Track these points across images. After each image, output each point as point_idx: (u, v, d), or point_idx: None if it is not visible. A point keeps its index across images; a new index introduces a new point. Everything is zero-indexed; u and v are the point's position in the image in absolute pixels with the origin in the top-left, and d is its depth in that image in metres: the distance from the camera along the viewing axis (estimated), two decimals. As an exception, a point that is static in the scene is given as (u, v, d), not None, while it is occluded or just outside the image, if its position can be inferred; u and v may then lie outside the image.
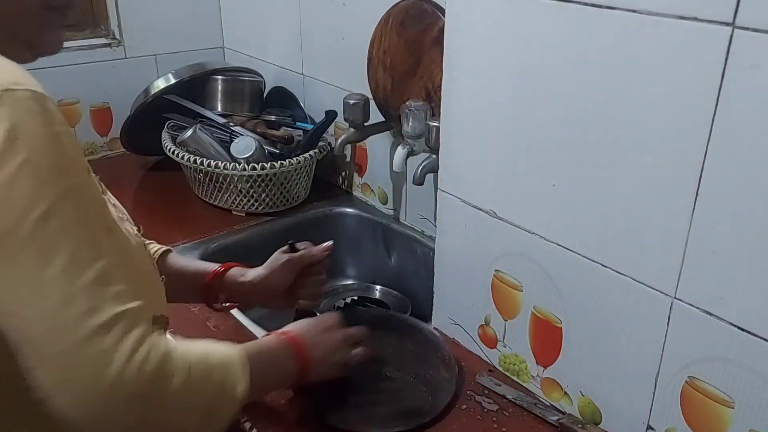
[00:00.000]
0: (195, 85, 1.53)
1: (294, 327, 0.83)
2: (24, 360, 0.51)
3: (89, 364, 0.50)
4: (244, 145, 1.36)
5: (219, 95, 1.56)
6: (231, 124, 1.47)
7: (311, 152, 1.40)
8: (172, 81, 1.48)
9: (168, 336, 0.59)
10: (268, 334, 0.83)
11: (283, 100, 1.58)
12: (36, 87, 0.54)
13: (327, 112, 1.40)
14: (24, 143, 0.50)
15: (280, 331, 0.82)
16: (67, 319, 0.50)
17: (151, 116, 1.50)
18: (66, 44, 1.53)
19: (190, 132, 1.38)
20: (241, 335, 1.02)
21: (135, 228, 0.73)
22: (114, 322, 0.51)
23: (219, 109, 1.55)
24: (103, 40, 1.59)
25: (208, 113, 1.51)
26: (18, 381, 0.52)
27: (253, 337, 1.01)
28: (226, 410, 0.62)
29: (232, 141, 1.40)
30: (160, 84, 1.49)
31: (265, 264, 0.97)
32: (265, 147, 1.40)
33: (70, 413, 0.50)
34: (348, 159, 1.49)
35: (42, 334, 0.50)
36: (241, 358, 0.66)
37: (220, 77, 1.55)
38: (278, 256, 0.97)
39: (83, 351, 0.50)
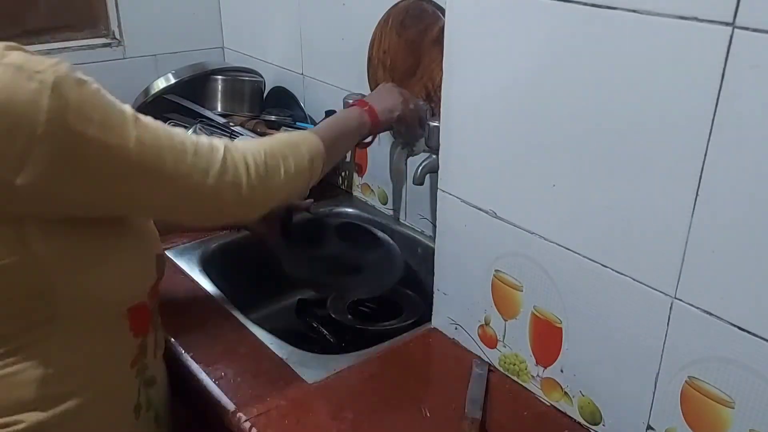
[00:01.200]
0: (195, 85, 1.53)
1: (371, 96, 1.07)
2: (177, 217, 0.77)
3: (229, 188, 0.72)
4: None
5: (219, 95, 1.56)
6: (231, 124, 1.47)
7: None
8: (172, 81, 1.48)
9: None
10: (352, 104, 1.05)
11: (283, 100, 1.58)
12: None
13: (327, 113, 1.40)
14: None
15: (357, 99, 1.05)
16: (202, 179, 0.70)
17: (152, 116, 1.50)
18: (66, 44, 1.53)
19: (190, 132, 1.38)
20: (241, 335, 1.02)
21: None
22: (225, 159, 0.72)
23: (219, 109, 1.55)
24: (103, 40, 1.59)
25: (208, 113, 1.51)
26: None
27: (253, 336, 1.01)
28: (317, 166, 0.88)
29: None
30: (161, 84, 1.49)
31: None
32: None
33: (236, 211, 0.76)
34: (348, 159, 1.49)
35: (194, 195, 0.70)
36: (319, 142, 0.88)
37: (220, 77, 1.55)
38: None
39: (223, 184, 0.72)
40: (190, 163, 0.69)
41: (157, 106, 1.49)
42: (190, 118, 1.49)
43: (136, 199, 0.67)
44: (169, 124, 1.50)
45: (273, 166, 0.78)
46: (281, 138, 0.84)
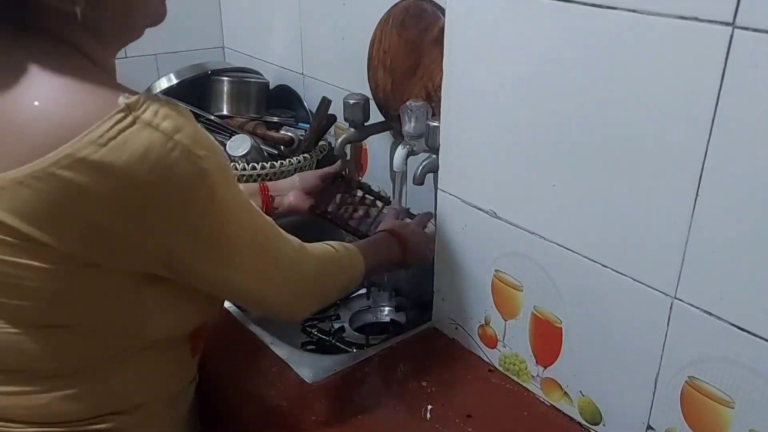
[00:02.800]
0: (198, 86, 1.53)
1: (399, 225, 1.07)
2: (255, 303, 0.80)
3: (304, 282, 0.81)
4: (239, 143, 1.36)
5: (225, 96, 1.56)
6: (229, 125, 1.47)
7: (311, 152, 1.40)
8: (174, 81, 1.48)
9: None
10: (381, 231, 1.06)
11: (286, 99, 1.58)
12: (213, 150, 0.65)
13: (322, 98, 1.39)
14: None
15: (388, 228, 1.06)
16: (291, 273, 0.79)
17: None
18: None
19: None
20: (241, 334, 1.02)
21: None
22: (301, 259, 0.80)
23: (225, 110, 1.55)
24: (103, 40, 1.59)
25: (205, 114, 1.51)
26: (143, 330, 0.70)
27: (253, 336, 1.01)
28: (356, 282, 0.94)
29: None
30: (162, 84, 1.49)
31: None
32: (264, 147, 1.40)
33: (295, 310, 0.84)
34: (348, 159, 1.49)
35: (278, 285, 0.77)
36: (358, 252, 0.93)
37: (226, 78, 1.55)
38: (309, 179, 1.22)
39: (300, 280, 0.80)
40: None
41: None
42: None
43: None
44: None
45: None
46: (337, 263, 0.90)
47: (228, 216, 0.66)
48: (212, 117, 1.49)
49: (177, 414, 0.82)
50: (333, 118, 1.40)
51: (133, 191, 0.58)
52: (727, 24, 0.60)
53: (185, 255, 0.65)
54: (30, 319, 0.64)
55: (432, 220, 1.14)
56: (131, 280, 0.66)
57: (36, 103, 0.58)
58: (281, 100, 1.60)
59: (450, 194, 0.96)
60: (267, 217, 0.75)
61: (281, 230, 0.76)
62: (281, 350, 0.99)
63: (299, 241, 0.80)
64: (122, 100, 0.57)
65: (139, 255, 0.63)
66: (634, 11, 0.67)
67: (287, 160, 1.35)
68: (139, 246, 0.62)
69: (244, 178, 1.34)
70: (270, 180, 1.36)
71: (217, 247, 0.67)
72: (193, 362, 0.83)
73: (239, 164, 1.33)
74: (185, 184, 0.60)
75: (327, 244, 0.88)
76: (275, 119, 1.52)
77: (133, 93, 0.60)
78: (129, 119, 0.57)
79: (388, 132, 1.33)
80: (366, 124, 1.29)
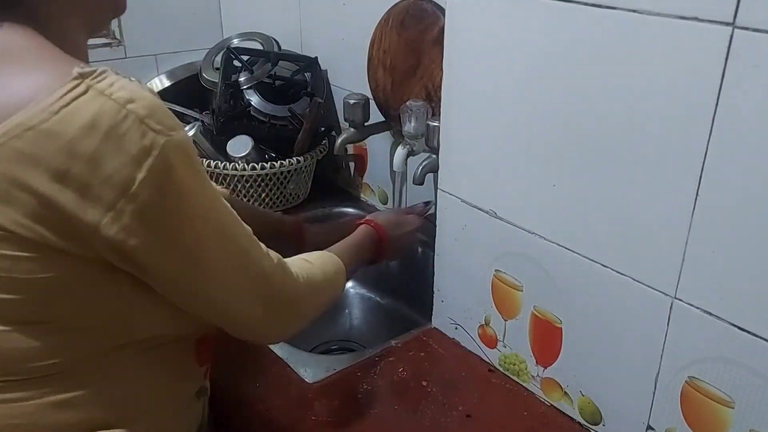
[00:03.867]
0: (194, 86, 1.53)
1: (382, 218, 1.02)
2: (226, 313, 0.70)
3: (279, 302, 0.73)
4: (240, 144, 1.36)
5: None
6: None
7: (311, 152, 1.40)
8: (167, 83, 1.48)
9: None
10: (360, 223, 1.01)
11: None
12: (177, 127, 0.60)
13: (313, 100, 1.38)
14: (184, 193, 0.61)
15: (368, 219, 1.02)
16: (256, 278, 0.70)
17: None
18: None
19: (192, 131, 1.38)
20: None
21: None
22: (278, 276, 0.73)
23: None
24: (103, 40, 1.58)
25: (197, 114, 1.50)
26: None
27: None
28: (337, 292, 0.86)
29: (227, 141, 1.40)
30: (155, 86, 1.50)
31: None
32: (263, 147, 1.40)
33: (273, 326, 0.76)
34: (349, 154, 1.49)
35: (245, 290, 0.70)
36: (341, 265, 0.86)
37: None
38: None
39: (271, 288, 0.72)
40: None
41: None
42: (189, 117, 1.49)
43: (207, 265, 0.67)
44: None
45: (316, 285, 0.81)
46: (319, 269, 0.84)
47: (187, 203, 0.60)
48: (202, 117, 1.49)
49: (181, 430, 0.77)
50: (330, 125, 1.41)
51: (81, 162, 0.55)
52: (727, 24, 0.60)
53: (135, 241, 0.59)
54: (14, 316, 0.62)
55: (431, 208, 1.13)
56: (109, 273, 0.62)
57: None
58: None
59: (450, 194, 0.96)
60: (241, 221, 0.68)
61: (258, 241, 0.70)
62: (281, 350, 0.98)
63: (279, 256, 0.73)
64: (77, 69, 0.56)
65: (89, 238, 0.58)
66: (634, 11, 0.67)
67: (287, 160, 1.35)
68: (88, 226, 0.57)
69: (244, 178, 1.34)
70: (271, 179, 1.36)
71: (172, 236, 0.61)
72: (199, 372, 0.78)
73: (239, 165, 1.33)
74: (136, 156, 0.56)
75: (305, 260, 0.81)
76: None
77: (115, 71, 0.58)
78: (82, 87, 0.55)
79: (388, 132, 1.33)
80: (366, 124, 1.29)
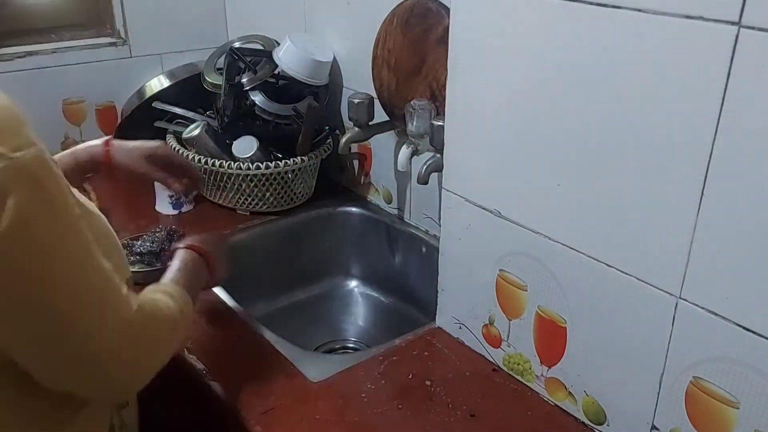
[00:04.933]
0: (190, 86, 1.53)
1: (199, 241, 0.95)
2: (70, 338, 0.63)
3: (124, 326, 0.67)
4: (246, 145, 1.36)
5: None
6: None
7: (316, 151, 1.40)
8: (166, 83, 1.49)
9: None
10: (182, 247, 0.93)
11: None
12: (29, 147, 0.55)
13: (308, 104, 1.39)
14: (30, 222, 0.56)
15: (189, 244, 0.94)
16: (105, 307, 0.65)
17: (150, 115, 1.50)
18: (71, 43, 1.51)
19: (197, 131, 1.38)
20: (245, 334, 1.02)
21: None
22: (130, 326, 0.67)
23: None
24: (109, 39, 1.59)
25: (190, 114, 1.50)
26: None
27: (257, 335, 1.02)
28: (185, 325, 0.80)
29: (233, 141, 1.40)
30: (154, 86, 1.50)
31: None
32: (268, 147, 1.40)
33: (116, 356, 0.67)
34: (353, 152, 1.49)
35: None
36: (183, 292, 0.81)
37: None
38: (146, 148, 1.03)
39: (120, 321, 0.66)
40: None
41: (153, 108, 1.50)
42: (190, 117, 1.49)
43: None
44: (175, 122, 1.51)
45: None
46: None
47: (28, 235, 0.55)
48: (197, 117, 1.49)
49: None
50: (330, 129, 1.42)
51: None
52: (733, 23, 0.60)
53: None
54: None
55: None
56: None
57: None
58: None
59: (454, 193, 0.96)
60: (97, 259, 0.63)
61: (115, 286, 0.65)
62: (285, 349, 0.99)
63: (133, 300, 0.68)
64: None
65: None
66: (639, 10, 0.67)
67: (291, 159, 1.35)
68: None
69: (248, 177, 1.35)
70: (275, 178, 1.36)
71: (15, 278, 0.56)
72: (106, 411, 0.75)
73: (243, 164, 1.33)
74: None
75: (154, 299, 0.75)
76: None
77: None
78: None
79: (392, 131, 1.33)
80: (370, 123, 1.29)
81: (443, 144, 0.96)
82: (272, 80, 1.42)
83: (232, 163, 1.33)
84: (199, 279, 0.90)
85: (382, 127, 1.31)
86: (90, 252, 0.63)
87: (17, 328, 0.60)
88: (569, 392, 0.88)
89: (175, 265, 0.88)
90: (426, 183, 1.10)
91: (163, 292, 0.77)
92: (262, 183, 1.36)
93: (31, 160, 0.55)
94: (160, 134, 1.46)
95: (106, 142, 1.01)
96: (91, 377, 0.66)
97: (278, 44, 1.45)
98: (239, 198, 1.39)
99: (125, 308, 0.67)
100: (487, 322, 0.97)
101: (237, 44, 1.50)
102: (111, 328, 0.65)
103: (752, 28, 0.59)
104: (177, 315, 0.76)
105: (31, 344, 0.61)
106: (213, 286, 0.99)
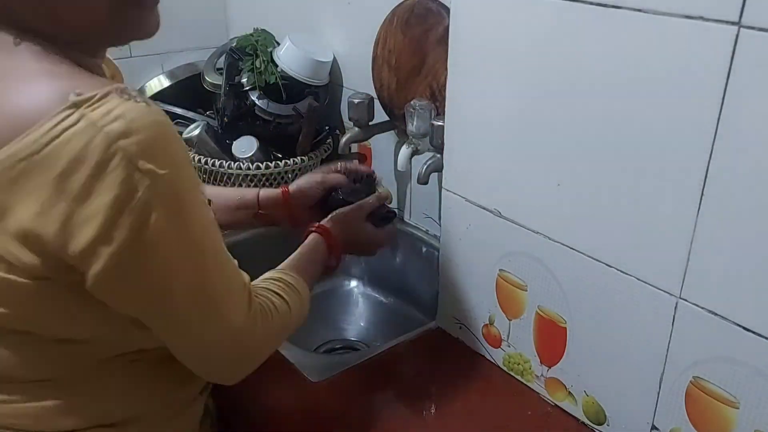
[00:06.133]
0: (190, 86, 1.53)
1: (332, 222, 0.95)
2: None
3: (244, 354, 0.72)
4: (246, 145, 1.36)
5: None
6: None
7: (316, 151, 1.40)
8: (166, 83, 1.49)
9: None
10: (312, 230, 0.94)
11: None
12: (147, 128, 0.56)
13: (308, 104, 1.39)
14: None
15: (323, 223, 0.95)
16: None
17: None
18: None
19: (197, 131, 1.38)
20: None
21: None
22: (247, 329, 0.70)
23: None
24: (109, 39, 1.59)
25: (190, 114, 1.50)
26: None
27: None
28: (304, 315, 0.81)
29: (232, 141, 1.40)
30: (154, 86, 1.50)
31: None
32: (269, 147, 1.40)
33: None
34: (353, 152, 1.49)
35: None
36: (302, 282, 0.82)
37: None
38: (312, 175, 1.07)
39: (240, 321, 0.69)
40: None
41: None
42: (190, 117, 1.49)
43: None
44: (175, 122, 1.51)
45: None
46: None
47: (162, 249, 0.58)
48: (196, 117, 1.49)
49: (184, 426, 0.78)
50: (330, 129, 1.42)
51: (68, 198, 0.54)
52: (733, 23, 0.60)
53: (107, 281, 0.58)
54: (5, 326, 0.63)
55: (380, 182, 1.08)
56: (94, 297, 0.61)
57: None
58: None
59: (454, 193, 0.96)
60: (226, 265, 0.67)
61: (239, 289, 0.69)
62: (286, 350, 0.99)
63: (250, 302, 0.70)
64: (72, 96, 0.54)
65: (70, 270, 0.58)
66: (639, 10, 0.67)
67: (292, 159, 1.35)
68: (69, 259, 0.57)
69: (249, 177, 1.34)
70: (275, 178, 1.36)
71: (141, 280, 0.60)
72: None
73: (243, 164, 1.33)
74: (119, 197, 0.54)
75: (270, 291, 0.77)
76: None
77: (125, 91, 0.56)
78: (74, 116, 0.53)
79: (392, 131, 1.33)
80: (370, 123, 1.29)
81: (443, 144, 0.96)
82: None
83: (232, 163, 1.33)
84: (318, 267, 0.91)
85: (382, 127, 1.31)
86: (219, 257, 0.66)
87: (173, 310, 0.64)
88: (569, 392, 0.88)
89: (301, 250, 0.90)
90: (426, 183, 1.10)
91: (279, 288, 0.78)
92: (262, 183, 1.36)
93: (175, 178, 0.57)
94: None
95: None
96: (203, 362, 0.70)
97: (278, 44, 1.45)
98: (239, 198, 1.39)
99: (242, 308, 0.69)
100: (487, 322, 0.97)
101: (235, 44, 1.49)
102: (232, 322, 0.67)
103: (752, 28, 0.59)
104: (288, 315, 0.77)
105: (178, 325, 0.65)
106: (332, 272, 0.97)
